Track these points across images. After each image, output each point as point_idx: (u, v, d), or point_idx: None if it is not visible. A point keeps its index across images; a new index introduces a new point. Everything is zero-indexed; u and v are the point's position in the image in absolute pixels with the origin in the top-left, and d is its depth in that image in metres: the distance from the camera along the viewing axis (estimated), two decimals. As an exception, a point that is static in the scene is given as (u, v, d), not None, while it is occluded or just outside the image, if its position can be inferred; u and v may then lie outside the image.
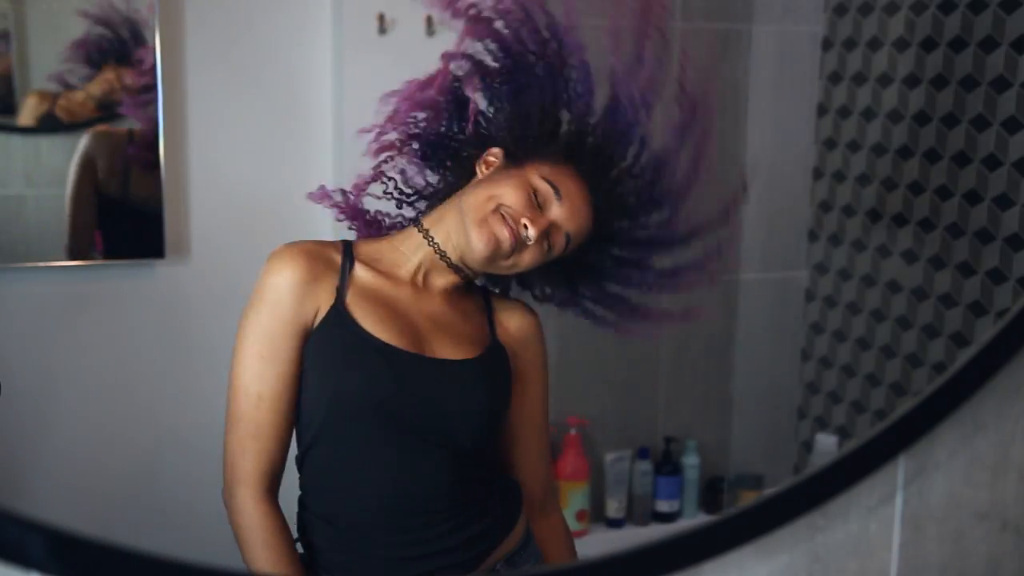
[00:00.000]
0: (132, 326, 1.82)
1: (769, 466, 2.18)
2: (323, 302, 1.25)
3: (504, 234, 1.24)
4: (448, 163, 1.35)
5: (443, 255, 1.30)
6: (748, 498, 2.08)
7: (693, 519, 2.26)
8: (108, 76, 1.79)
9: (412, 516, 1.25)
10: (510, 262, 1.27)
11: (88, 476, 1.77)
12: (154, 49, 1.79)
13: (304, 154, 1.90)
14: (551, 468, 1.49)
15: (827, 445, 2.03)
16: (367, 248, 1.34)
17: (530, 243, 1.25)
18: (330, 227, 1.90)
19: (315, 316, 1.25)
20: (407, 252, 1.32)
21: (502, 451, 1.38)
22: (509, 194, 1.25)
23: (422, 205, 1.39)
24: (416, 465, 1.25)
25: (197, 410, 1.85)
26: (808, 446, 2.12)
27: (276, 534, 1.24)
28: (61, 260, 1.78)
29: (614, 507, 2.22)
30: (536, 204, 1.26)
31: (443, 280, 1.33)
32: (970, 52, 1.78)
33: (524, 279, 1.39)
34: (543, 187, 1.26)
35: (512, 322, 1.37)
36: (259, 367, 1.25)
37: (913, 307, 1.90)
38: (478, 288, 1.39)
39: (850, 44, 2.01)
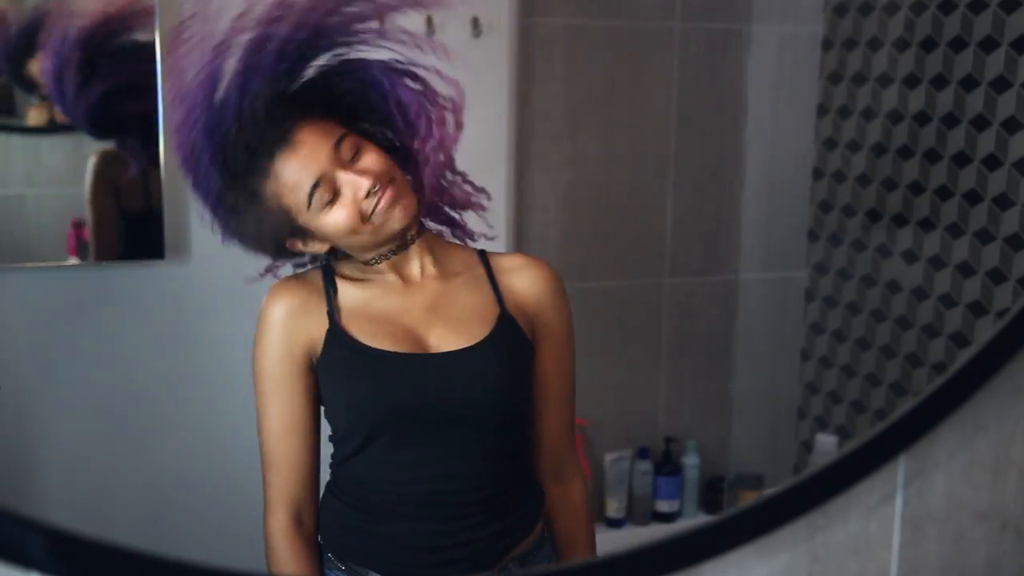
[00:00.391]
0: (132, 326, 1.82)
1: (769, 466, 2.18)
2: (318, 329, 1.26)
3: (386, 198, 1.21)
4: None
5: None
6: (748, 498, 2.08)
7: (693, 519, 2.25)
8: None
9: (443, 509, 1.25)
10: (399, 179, 1.23)
11: (88, 476, 1.77)
12: (154, 48, 1.79)
13: (304, 154, 1.90)
14: (573, 433, 1.41)
15: (827, 445, 2.03)
16: (344, 265, 1.31)
17: (376, 188, 1.20)
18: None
19: (314, 344, 1.26)
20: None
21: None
22: (340, 217, 1.21)
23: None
24: (446, 462, 1.25)
25: (197, 410, 1.85)
26: (808, 446, 2.12)
27: (301, 564, 1.27)
28: (61, 260, 1.78)
29: (614, 507, 2.22)
30: (338, 191, 1.21)
31: (418, 263, 1.29)
32: (970, 52, 1.78)
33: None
34: (321, 196, 1.21)
35: (521, 282, 1.30)
36: (266, 404, 1.28)
37: (913, 307, 1.90)
38: (472, 254, 1.34)
39: (850, 44, 2.01)
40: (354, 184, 1.20)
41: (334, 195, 1.20)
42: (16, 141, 1.74)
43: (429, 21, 1.85)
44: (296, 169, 1.20)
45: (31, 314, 1.76)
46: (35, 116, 1.74)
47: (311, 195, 1.20)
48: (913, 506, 0.98)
